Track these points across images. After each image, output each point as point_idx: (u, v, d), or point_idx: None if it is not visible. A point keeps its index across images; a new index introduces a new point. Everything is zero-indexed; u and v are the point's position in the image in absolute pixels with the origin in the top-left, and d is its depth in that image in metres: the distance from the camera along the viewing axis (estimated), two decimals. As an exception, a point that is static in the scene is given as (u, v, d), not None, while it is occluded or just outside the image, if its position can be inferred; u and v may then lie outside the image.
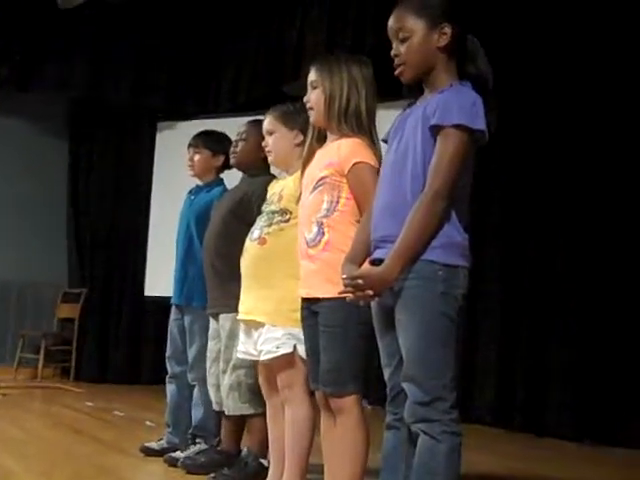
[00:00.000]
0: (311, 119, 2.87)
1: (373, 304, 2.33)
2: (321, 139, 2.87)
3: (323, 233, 2.73)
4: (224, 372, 3.67)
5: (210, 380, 3.86)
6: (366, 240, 2.36)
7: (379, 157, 2.72)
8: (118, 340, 8.31)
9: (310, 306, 2.77)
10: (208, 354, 3.89)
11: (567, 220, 5.84)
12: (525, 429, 5.86)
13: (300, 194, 2.90)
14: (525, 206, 6.10)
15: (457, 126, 2.16)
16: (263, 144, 3.40)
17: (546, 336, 5.89)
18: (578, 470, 4.65)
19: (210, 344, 3.89)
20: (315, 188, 2.78)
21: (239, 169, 3.96)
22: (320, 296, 2.70)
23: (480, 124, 2.18)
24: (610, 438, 5.45)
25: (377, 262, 2.24)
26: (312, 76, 2.85)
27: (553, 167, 5.92)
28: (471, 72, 2.29)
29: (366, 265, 2.33)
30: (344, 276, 2.24)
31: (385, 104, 2.88)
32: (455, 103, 2.18)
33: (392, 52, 2.31)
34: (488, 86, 2.26)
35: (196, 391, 4.09)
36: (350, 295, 2.20)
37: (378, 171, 2.67)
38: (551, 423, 5.76)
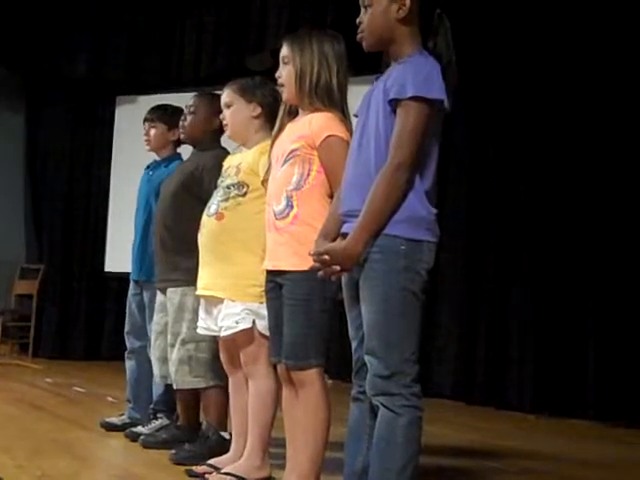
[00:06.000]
0: (283, 96, 2.85)
1: (344, 277, 2.33)
2: (292, 115, 2.85)
3: (292, 206, 2.72)
4: (172, 346, 3.63)
5: (155, 353, 3.82)
6: (338, 215, 2.35)
7: (350, 131, 2.70)
8: (77, 316, 8.21)
9: (275, 279, 2.77)
10: (154, 327, 3.85)
11: (528, 189, 5.90)
12: (485, 402, 5.93)
13: (269, 168, 2.87)
14: (487, 174, 6.17)
15: (414, 98, 2.15)
16: (221, 117, 3.36)
17: (506, 311, 5.96)
18: (536, 441, 4.72)
19: (156, 317, 3.84)
20: (286, 161, 2.76)
21: (189, 143, 3.91)
22: (286, 269, 2.70)
23: (437, 93, 2.17)
24: (567, 411, 5.54)
25: (345, 236, 2.24)
26: (284, 52, 2.82)
27: (521, 130, 5.98)
28: (429, 47, 2.28)
29: (338, 240, 2.33)
30: (311, 252, 2.24)
31: (353, 79, 2.85)
32: (410, 75, 2.17)
33: (357, 19, 2.31)
34: (442, 61, 2.24)
35: (156, 366, 4.07)
36: (321, 271, 2.21)
37: (349, 145, 2.66)
38: (510, 396, 5.84)
